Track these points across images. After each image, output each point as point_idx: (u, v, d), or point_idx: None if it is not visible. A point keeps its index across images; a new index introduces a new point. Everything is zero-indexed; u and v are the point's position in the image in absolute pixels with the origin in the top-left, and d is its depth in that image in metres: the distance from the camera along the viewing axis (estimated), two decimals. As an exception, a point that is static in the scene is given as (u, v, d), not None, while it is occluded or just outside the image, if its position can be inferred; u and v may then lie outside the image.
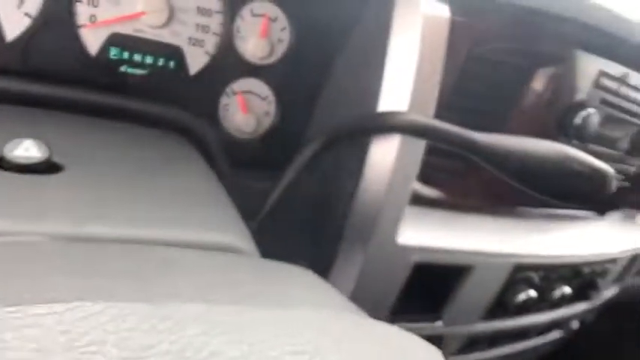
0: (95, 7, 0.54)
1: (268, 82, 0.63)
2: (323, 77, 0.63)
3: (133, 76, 0.57)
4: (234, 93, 0.62)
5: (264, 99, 0.63)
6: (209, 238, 0.29)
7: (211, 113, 0.61)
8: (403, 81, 0.52)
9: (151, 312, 0.18)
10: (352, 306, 0.27)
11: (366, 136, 0.51)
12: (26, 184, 0.29)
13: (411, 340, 0.22)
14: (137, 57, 0.56)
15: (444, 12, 0.53)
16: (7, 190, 0.28)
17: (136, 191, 0.32)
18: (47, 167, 0.30)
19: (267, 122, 0.64)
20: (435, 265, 0.60)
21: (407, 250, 0.56)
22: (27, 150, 0.30)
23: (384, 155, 0.52)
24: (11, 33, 0.51)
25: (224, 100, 0.61)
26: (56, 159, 0.31)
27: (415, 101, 0.51)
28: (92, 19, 0.54)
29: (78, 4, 0.53)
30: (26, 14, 0.51)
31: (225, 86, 0.61)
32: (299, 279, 0.28)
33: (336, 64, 0.62)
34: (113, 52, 0.56)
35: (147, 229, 0.28)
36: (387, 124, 0.48)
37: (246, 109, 0.62)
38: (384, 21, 0.54)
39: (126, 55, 0.56)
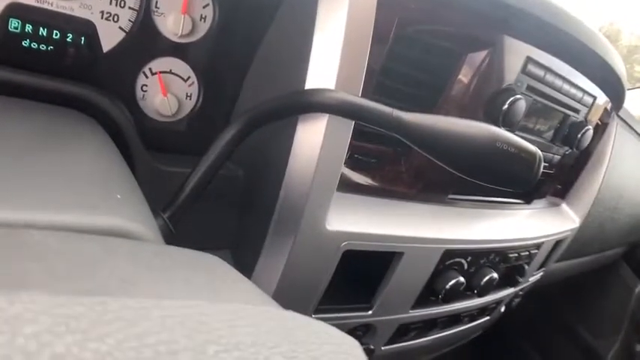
0: (-10, -28, 0.48)
1: (190, 62, 0.59)
2: (248, 58, 0.60)
3: (38, 51, 0.52)
4: (153, 73, 0.58)
5: (185, 80, 0.60)
6: (99, 221, 0.26)
7: (127, 94, 0.57)
8: (330, 60, 0.50)
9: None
10: (266, 298, 0.25)
11: (289, 116, 0.49)
12: None
13: (325, 329, 0.20)
14: (43, 31, 0.51)
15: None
16: None
17: (29, 172, 0.29)
18: None
19: (190, 105, 0.61)
20: (365, 252, 0.59)
21: (336, 236, 0.55)
22: None
23: (311, 137, 0.50)
24: None
25: (141, 80, 0.57)
26: None
27: (341, 81, 0.49)
28: (-13, -14, 0.48)
29: (-31, -32, 0.47)
30: None
31: (142, 66, 0.57)
32: (208, 267, 0.26)
33: (262, 44, 0.59)
34: (14, 24, 0.50)
35: (35, 211, 0.25)
36: (310, 102, 0.46)
37: (166, 90, 0.58)
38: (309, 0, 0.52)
39: (29, 27, 0.51)
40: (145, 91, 0.58)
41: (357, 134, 0.53)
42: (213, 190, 0.50)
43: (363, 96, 0.51)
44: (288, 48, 0.55)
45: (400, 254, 0.62)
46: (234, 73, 0.61)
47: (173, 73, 0.59)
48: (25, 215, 0.24)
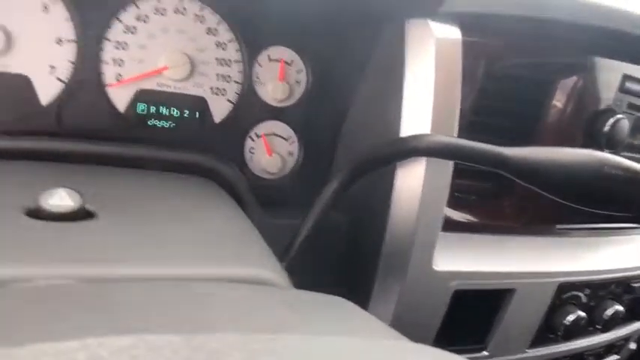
0: (120, 66, 0.57)
1: (290, 123, 0.64)
2: (343, 114, 0.64)
3: (161, 128, 0.59)
4: (258, 136, 0.63)
5: (287, 139, 0.65)
6: (242, 272, 0.29)
7: (238, 157, 0.62)
8: (422, 105, 0.52)
9: (185, 343, 0.18)
10: (395, 333, 0.27)
11: (391, 163, 0.51)
12: (61, 232, 0.30)
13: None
14: (163, 110, 0.59)
15: (456, 34, 0.54)
16: (43, 237, 0.29)
17: (167, 232, 0.33)
18: (81, 215, 0.32)
19: (292, 162, 0.65)
20: (475, 291, 0.58)
21: (445, 276, 0.55)
22: (61, 199, 0.31)
23: (411, 181, 0.52)
24: (45, 98, 0.54)
25: (249, 144, 0.63)
26: (89, 207, 0.33)
27: (437, 124, 0.51)
28: (118, 77, 0.57)
29: (104, 65, 0.56)
30: (58, 79, 0.54)
31: (249, 130, 0.63)
32: (337, 307, 0.28)
33: (355, 98, 0.63)
34: (141, 108, 0.58)
35: (180, 267, 0.29)
36: (410, 148, 0.48)
37: (271, 150, 0.63)
38: (398, 50, 0.55)
39: (153, 109, 0.58)
40: (253, 152, 0.63)
41: (455, 172, 0.54)
42: (319, 238, 0.53)
43: (458, 135, 0.52)
44: (380, 98, 0.59)
45: (512, 291, 0.61)
46: (330, 128, 0.65)
47: (276, 135, 0.64)
48: (183, 270, 0.28)
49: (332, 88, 0.64)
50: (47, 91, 0.54)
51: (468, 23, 0.55)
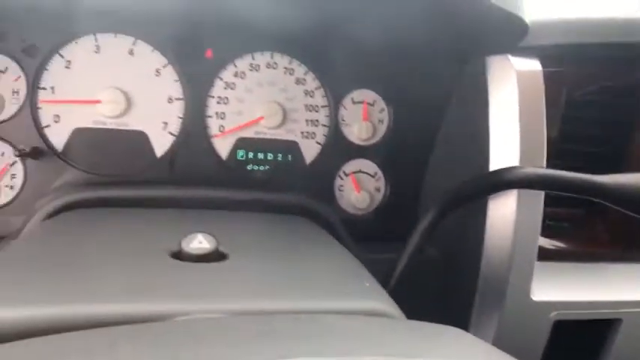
0: (222, 119, 0.63)
1: (375, 160, 0.67)
2: (427, 148, 0.66)
3: (258, 171, 0.64)
4: (347, 174, 0.67)
5: (373, 176, 0.68)
6: (361, 305, 0.32)
7: (328, 194, 0.66)
8: (509, 137, 0.53)
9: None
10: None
11: (484, 196, 0.53)
12: (203, 272, 0.34)
13: None
14: (260, 155, 0.64)
15: (536, 66, 0.56)
16: (187, 277, 0.33)
17: (287, 269, 0.37)
18: (215, 256, 0.36)
19: (379, 197, 0.68)
20: (577, 322, 0.57)
21: (544, 306, 0.55)
22: (200, 243, 0.35)
23: (504, 213, 0.53)
24: (160, 150, 0.61)
25: (338, 182, 0.67)
26: (222, 249, 0.37)
27: (525, 155, 0.52)
28: (221, 129, 0.63)
29: (209, 118, 0.62)
30: (170, 133, 0.61)
31: (337, 169, 0.66)
32: (455, 337, 0.30)
33: (439, 133, 0.65)
34: (240, 154, 0.63)
35: (305, 300, 0.32)
36: (504, 181, 0.49)
37: (359, 187, 0.67)
38: (480, 85, 0.57)
39: (251, 155, 0.64)
40: (342, 190, 0.67)
41: (545, 199, 0.54)
42: (414, 271, 0.55)
43: (546, 163, 0.53)
44: (465, 133, 0.60)
45: (618, 321, 0.59)
46: (415, 163, 0.67)
47: (363, 172, 0.67)
48: (308, 303, 0.31)
49: (414, 125, 0.67)
50: (161, 144, 0.61)
51: (547, 54, 0.56)
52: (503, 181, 0.50)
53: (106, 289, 0.30)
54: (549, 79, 0.55)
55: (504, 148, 0.53)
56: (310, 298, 0.32)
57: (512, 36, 0.53)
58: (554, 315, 0.55)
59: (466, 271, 0.58)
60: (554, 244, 0.60)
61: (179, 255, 0.36)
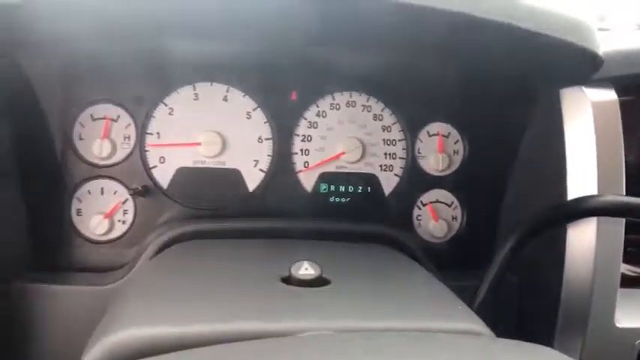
0: (307, 155, 0.68)
1: (451, 190, 0.70)
2: (502, 178, 0.68)
3: (340, 203, 0.69)
4: (424, 204, 0.70)
5: (450, 205, 0.71)
6: (457, 325, 0.35)
7: (407, 224, 0.69)
8: (586, 166, 0.55)
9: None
10: None
11: (564, 224, 0.54)
12: (311, 295, 0.38)
13: None
14: (342, 188, 0.69)
15: (611, 95, 0.57)
16: (298, 299, 0.38)
17: (386, 293, 0.41)
18: (320, 281, 0.40)
19: (456, 225, 0.71)
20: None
21: (628, 333, 0.55)
22: (306, 269, 0.40)
23: (584, 240, 0.54)
24: (251, 185, 0.67)
25: (416, 212, 0.70)
26: (325, 275, 0.41)
27: (603, 183, 0.54)
28: (306, 164, 0.68)
29: (295, 155, 0.68)
30: (260, 170, 0.67)
31: (415, 199, 0.70)
32: (547, 355, 0.32)
33: (514, 163, 0.67)
34: (323, 187, 0.68)
35: (405, 321, 0.36)
36: (584, 209, 0.51)
37: (437, 216, 0.70)
38: (555, 116, 0.59)
39: (333, 187, 0.69)
40: (420, 219, 0.70)
41: (630, 226, 0.55)
42: (494, 296, 0.57)
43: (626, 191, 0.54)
44: (541, 162, 0.62)
45: None
46: (491, 192, 0.69)
47: (439, 202, 0.70)
48: (408, 324, 0.35)
49: (489, 155, 0.69)
50: (253, 180, 0.67)
51: (624, 84, 0.58)
52: (582, 209, 0.52)
53: (234, 310, 0.35)
54: (625, 105, 0.57)
55: (582, 177, 0.55)
56: (408, 318, 0.36)
57: (586, 69, 0.55)
58: (639, 343, 0.55)
59: (546, 296, 0.59)
60: (638, 270, 0.60)
61: (289, 280, 0.41)
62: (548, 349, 0.33)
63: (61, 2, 0.44)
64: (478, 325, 0.36)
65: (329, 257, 0.50)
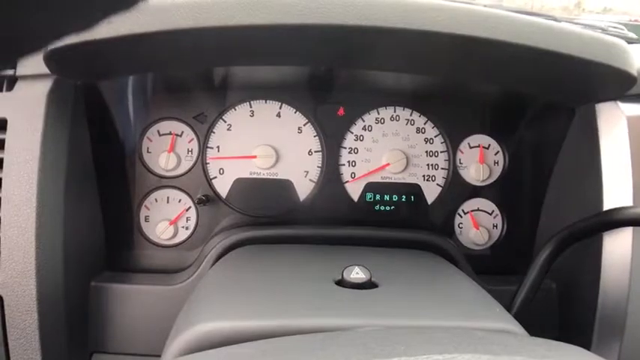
0: (353, 166, 0.73)
1: (492, 199, 0.74)
2: (541, 188, 0.71)
3: (385, 212, 0.73)
4: (465, 212, 0.74)
5: (490, 214, 0.74)
6: (493, 324, 0.39)
7: (449, 231, 0.73)
8: (622, 179, 0.58)
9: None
10: None
11: (598, 234, 0.57)
12: (362, 296, 0.43)
13: None
14: (386, 197, 0.73)
15: (646, 110, 0.60)
16: (352, 300, 0.43)
17: (430, 295, 0.45)
18: (369, 284, 0.45)
19: (497, 233, 0.74)
20: None
21: (666, 339, 0.57)
22: (357, 274, 0.45)
23: (620, 249, 0.57)
24: (302, 195, 0.73)
25: (458, 220, 0.74)
26: (374, 279, 0.46)
27: (638, 194, 0.56)
28: (352, 175, 0.73)
29: (342, 167, 0.73)
30: (310, 180, 0.73)
31: (457, 208, 0.74)
32: (581, 354, 0.36)
33: (553, 174, 0.70)
34: (369, 197, 0.73)
35: (449, 320, 0.40)
36: (619, 220, 0.53)
37: (477, 224, 0.73)
38: (591, 130, 0.61)
39: (378, 197, 0.73)
40: (461, 227, 0.74)
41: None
42: (532, 301, 0.60)
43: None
44: (578, 174, 0.65)
45: None
46: (530, 201, 0.72)
47: (480, 210, 0.74)
48: (451, 322, 0.39)
49: (528, 166, 0.73)
50: (303, 190, 0.73)
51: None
52: (619, 220, 0.55)
53: (297, 308, 0.40)
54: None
55: (618, 188, 0.58)
56: (452, 317, 0.40)
57: (621, 86, 0.58)
58: (677, 348, 0.57)
59: (583, 302, 0.62)
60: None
61: (341, 283, 0.46)
62: (581, 349, 0.37)
63: (144, 43, 0.50)
64: (514, 326, 0.40)
65: (376, 263, 0.54)
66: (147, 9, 0.48)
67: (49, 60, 0.54)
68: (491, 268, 0.74)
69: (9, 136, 0.55)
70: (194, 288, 0.53)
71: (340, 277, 0.46)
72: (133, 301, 0.64)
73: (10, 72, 0.57)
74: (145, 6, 0.48)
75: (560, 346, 0.36)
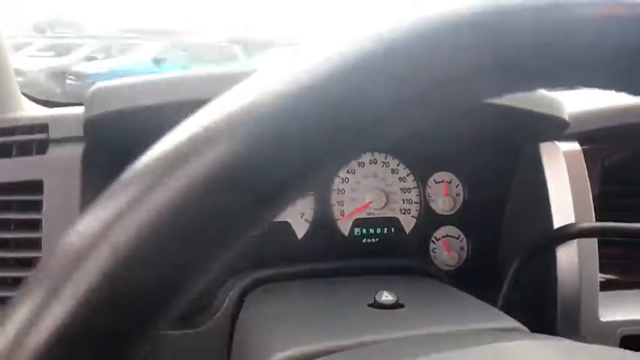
0: (342, 205, 0.83)
1: (458, 226, 0.87)
2: (499, 213, 0.86)
3: (370, 243, 0.84)
4: (438, 239, 0.86)
5: (457, 238, 0.87)
6: (500, 324, 0.51)
7: (426, 256, 0.85)
8: (565, 201, 0.73)
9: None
10: None
11: (555, 247, 0.71)
12: (394, 315, 0.53)
13: None
14: (372, 230, 0.84)
15: (576, 146, 0.76)
16: (387, 318, 0.52)
17: (445, 308, 0.56)
18: (397, 305, 0.55)
19: (464, 255, 0.87)
20: None
21: (611, 325, 0.72)
22: (386, 296, 0.55)
23: (570, 258, 0.71)
24: (299, 233, 0.81)
25: (432, 245, 0.86)
26: (400, 301, 0.56)
27: (579, 213, 0.71)
28: (342, 213, 0.83)
29: (332, 206, 0.83)
30: (306, 220, 0.82)
31: (430, 236, 0.86)
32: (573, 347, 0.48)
33: (509, 202, 0.84)
34: (356, 231, 0.84)
35: (463, 324, 0.51)
36: (569, 234, 0.68)
37: (449, 248, 0.86)
38: (537, 164, 0.77)
39: (364, 230, 0.84)
40: (435, 252, 0.86)
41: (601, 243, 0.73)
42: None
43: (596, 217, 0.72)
44: (530, 200, 0.80)
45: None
46: (491, 225, 0.86)
47: (449, 236, 0.86)
48: (466, 326, 0.50)
49: (484, 196, 0.87)
50: (300, 229, 0.81)
51: (586, 135, 0.77)
52: (567, 234, 0.69)
53: (353, 327, 0.49)
54: (588, 153, 0.75)
55: (562, 211, 0.73)
56: (465, 322, 0.51)
57: (557, 128, 0.74)
58: (620, 331, 0.72)
59: (546, 305, 0.76)
60: (614, 276, 0.77)
61: (374, 305, 0.55)
62: (563, 339, 0.49)
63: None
64: (516, 324, 0.51)
65: (386, 288, 0.65)
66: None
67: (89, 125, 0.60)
68: (464, 284, 0.86)
69: (46, 197, 0.60)
70: (227, 329, 0.60)
71: (373, 301, 0.55)
72: (162, 348, 0.68)
73: (41, 136, 0.61)
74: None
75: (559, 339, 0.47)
